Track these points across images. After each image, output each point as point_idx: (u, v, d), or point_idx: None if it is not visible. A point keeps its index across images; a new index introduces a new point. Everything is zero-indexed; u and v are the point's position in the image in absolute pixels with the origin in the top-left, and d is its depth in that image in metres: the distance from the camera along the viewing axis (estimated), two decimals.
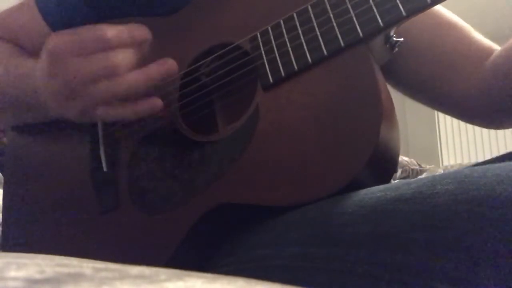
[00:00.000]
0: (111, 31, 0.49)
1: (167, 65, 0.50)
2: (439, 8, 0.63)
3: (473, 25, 0.63)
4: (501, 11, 3.11)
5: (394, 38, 0.50)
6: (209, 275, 0.19)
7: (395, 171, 0.62)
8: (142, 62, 0.51)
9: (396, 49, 0.50)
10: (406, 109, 3.56)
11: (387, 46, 0.50)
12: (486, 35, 0.62)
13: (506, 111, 0.57)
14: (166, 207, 0.52)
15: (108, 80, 0.48)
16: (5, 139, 0.71)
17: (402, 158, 2.06)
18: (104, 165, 0.58)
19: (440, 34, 0.62)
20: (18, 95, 0.60)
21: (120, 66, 0.48)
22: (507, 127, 0.64)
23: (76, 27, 0.50)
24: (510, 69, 0.54)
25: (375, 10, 0.44)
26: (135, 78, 0.49)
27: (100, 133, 0.59)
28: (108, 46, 0.48)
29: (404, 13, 0.43)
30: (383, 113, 0.42)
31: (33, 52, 0.66)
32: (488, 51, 0.59)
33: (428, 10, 0.61)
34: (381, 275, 0.34)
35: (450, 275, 0.30)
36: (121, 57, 0.48)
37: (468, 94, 0.59)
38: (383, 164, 0.46)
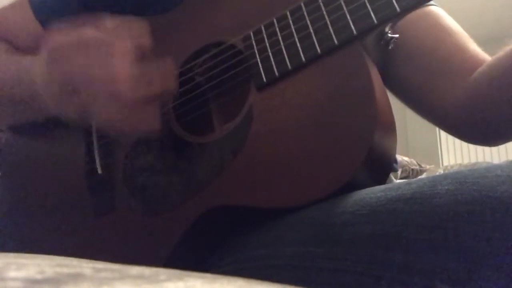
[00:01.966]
0: (111, 25, 0.48)
1: (170, 80, 0.49)
2: (441, 12, 0.61)
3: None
4: (501, 11, 3.11)
5: (389, 35, 0.49)
6: (209, 275, 0.19)
7: (392, 170, 0.61)
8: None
9: (391, 45, 0.50)
10: (406, 109, 3.55)
11: (382, 43, 0.49)
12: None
13: (489, 123, 0.54)
14: (162, 209, 0.52)
15: (109, 84, 0.47)
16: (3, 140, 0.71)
17: (402, 158, 2.06)
18: (98, 167, 0.58)
19: (437, 39, 0.59)
20: (15, 92, 0.59)
21: (122, 72, 0.47)
22: (491, 143, 0.60)
23: (75, 20, 0.49)
24: (497, 78, 0.51)
25: (368, 6, 0.43)
26: (138, 88, 0.48)
27: (94, 135, 0.58)
28: (109, 46, 0.47)
29: (398, 9, 0.42)
30: (377, 112, 0.42)
31: (27, 51, 0.66)
32: (481, 64, 0.55)
33: (430, 13, 0.60)
34: (381, 275, 0.34)
35: (450, 275, 0.30)
36: (122, 61, 0.47)
37: (453, 104, 0.57)
38: (379, 164, 0.45)
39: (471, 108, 0.55)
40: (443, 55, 0.58)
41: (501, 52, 0.51)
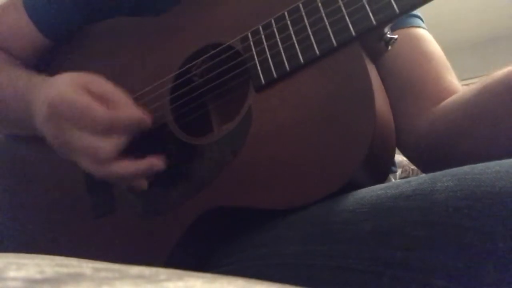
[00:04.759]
0: (111, 118, 0.49)
1: (156, 166, 0.51)
2: (427, 36, 0.61)
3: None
4: (501, 11, 3.12)
5: (388, 35, 0.49)
6: (209, 275, 0.19)
7: (391, 171, 0.61)
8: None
9: (390, 47, 0.50)
10: None
11: (382, 43, 0.49)
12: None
13: (446, 159, 0.51)
14: (161, 209, 0.52)
15: (95, 162, 0.50)
16: None
17: (402, 158, 2.06)
18: None
19: (415, 63, 0.58)
20: (13, 111, 0.60)
21: (109, 155, 0.49)
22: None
23: (81, 103, 0.49)
24: (463, 108, 0.49)
25: (367, 8, 0.43)
26: (123, 169, 0.50)
27: None
28: (102, 132, 0.49)
29: (397, 11, 0.42)
30: (376, 113, 0.42)
31: (21, 53, 0.66)
32: (451, 95, 0.54)
33: (415, 35, 0.59)
34: (382, 272, 0.34)
35: (450, 271, 0.30)
36: (112, 146, 0.49)
37: (417, 132, 0.55)
38: (378, 164, 0.45)
39: (432, 139, 0.53)
40: (417, 79, 0.57)
41: (473, 86, 0.49)
